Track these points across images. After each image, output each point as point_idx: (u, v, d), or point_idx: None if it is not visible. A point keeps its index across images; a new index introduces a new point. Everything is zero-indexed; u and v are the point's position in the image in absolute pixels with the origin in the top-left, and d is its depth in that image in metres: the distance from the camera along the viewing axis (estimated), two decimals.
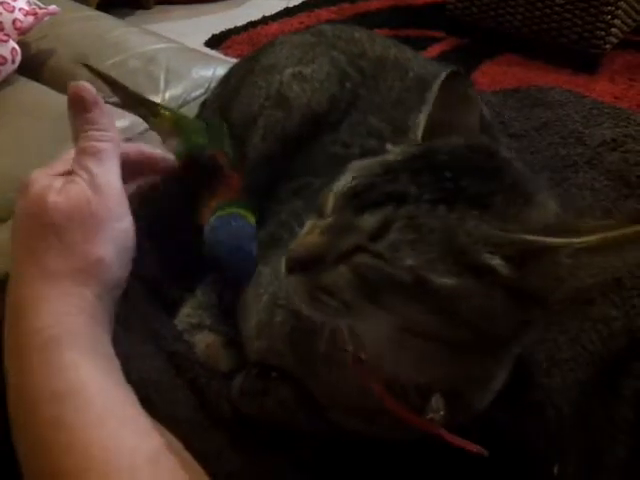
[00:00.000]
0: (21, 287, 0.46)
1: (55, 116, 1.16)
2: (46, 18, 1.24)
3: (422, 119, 0.47)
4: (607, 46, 2.25)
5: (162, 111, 0.70)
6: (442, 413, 0.46)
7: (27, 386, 0.43)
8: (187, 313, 0.65)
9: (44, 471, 0.40)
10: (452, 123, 0.47)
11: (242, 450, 0.55)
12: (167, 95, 1.17)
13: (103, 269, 0.46)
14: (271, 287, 0.59)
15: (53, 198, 0.46)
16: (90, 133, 0.49)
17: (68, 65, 1.27)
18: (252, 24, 2.58)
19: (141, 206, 0.70)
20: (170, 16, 2.68)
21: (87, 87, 0.50)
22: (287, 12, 2.69)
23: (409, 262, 0.38)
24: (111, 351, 0.47)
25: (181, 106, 1.17)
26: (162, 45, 1.32)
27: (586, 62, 2.30)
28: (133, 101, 0.74)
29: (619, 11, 2.18)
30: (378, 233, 0.39)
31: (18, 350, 0.44)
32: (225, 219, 0.61)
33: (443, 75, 0.47)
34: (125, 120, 1.13)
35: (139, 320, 0.60)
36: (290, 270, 0.42)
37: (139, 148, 0.58)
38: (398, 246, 0.38)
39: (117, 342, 0.59)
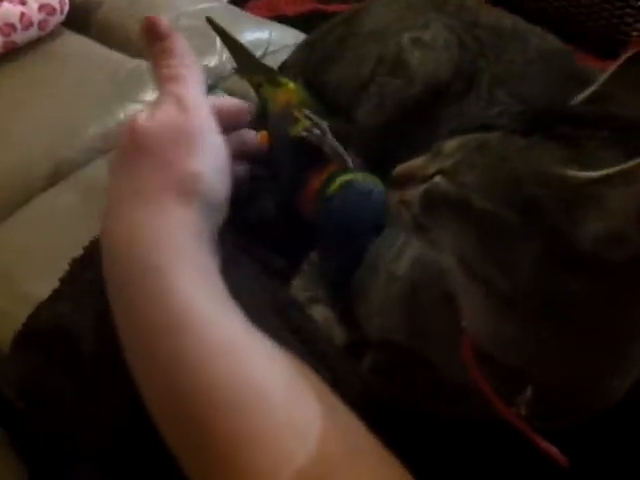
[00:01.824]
0: (117, 221, 0.43)
1: (101, 70, 1.12)
2: None
3: (587, 91, 0.44)
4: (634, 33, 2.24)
5: (283, 80, 0.66)
6: (523, 411, 0.41)
7: (135, 323, 0.40)
8: (301, 286, 0.62)
9: (179, 415, 0.37)
10: (621, 101, 0.44)
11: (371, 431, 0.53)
12: (224, 57, 1.12)
13: (202, 183, 0.44)
14: (390, 263, 0.56)
15: (141, 123, 0.45)
16: (168, 61, 0.49)
17: (116, 19, 1.21)
18: None
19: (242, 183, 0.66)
20: None
21: (159, 18, 0.50)
22: None
23: (461, 179, 0.39)
24: (218, 274, 0.43)
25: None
26: (212, 4, 1.27)
27: (614, 48, 2.28)
28: (251, 66, 0.69)
29: None
30: (451, 154, 0.41)
31: (118, 286, 0.42)
32: (363, 186, 0.57)
33: (629, 52, 0.43)
34: None
35: (258, 294, 0.56)
36: (391, 185, 0.45)
37: (231, 100, 0.58)
38: (460, 164, 0.39)
39: None
